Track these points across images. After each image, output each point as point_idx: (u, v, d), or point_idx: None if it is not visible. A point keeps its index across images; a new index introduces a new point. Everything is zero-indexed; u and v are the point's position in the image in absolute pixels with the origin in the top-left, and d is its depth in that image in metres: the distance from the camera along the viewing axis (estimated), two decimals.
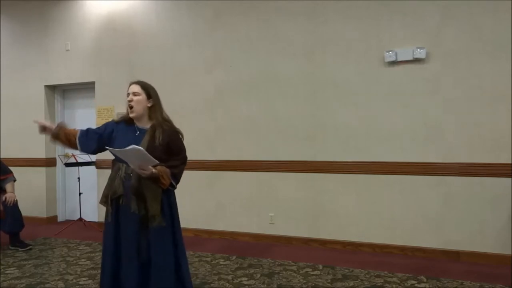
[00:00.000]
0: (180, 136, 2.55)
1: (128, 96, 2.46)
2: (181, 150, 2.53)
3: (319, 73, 4.46)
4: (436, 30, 4.01)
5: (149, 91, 2.48)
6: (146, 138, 2.39)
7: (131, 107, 2.44)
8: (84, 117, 6.00)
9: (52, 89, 6.10)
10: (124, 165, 2.38)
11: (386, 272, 3.58)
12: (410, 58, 4.05)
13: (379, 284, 3.32)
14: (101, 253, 4.24)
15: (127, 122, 2.52)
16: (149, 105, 2.46)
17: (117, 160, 2.45)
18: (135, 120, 2.48)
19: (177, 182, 2.50)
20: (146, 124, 2.47)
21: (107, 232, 2.48)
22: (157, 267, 2.37)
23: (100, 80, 5.59)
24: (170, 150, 2.45)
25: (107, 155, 5.40)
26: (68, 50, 5.78)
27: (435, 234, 4.03)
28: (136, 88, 2.47)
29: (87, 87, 5.80)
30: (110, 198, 2.42)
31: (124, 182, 2.38)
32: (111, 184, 2.43)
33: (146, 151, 2.20)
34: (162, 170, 2.34)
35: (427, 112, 4.05)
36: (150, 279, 2.37)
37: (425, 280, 3.39)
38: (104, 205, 2.47)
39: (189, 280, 2.56)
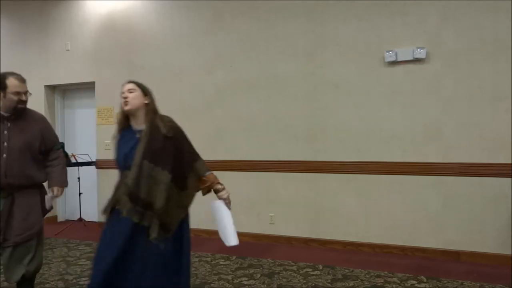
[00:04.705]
0: (184, 134, 2.41)
1: (122, 94, 2.35)
2: (191, 145, 2.42)
3: (319, 73, 4.46)
4: (436, 30, 4.01)
5: (145, 89, 2.39)
6: (143, 135, 2.27)
7: (126, 102, 2.32)
8: (84, 117, 6.01)
9: (52, 89, 6.10)
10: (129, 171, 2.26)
11: (386, 272, 3.58)
12: (410, 58, 4.05)
13: (379, 284, 3.32)
14: None
15: (125, 127, 2.39)
16: (146, 101, 2.35)
17: (123, 168, 2.31)
18: (132, 119, 2.37)
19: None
20: (142, 124, 2.34)
21: (104, 241, 2.29)
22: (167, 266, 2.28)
23: (100, 80, 5.59)
24: (180, 146, 2.33)
25: (106, 156, 5.38)
26: (68, 50, 5.79)
27: (435, 234, 4.03)
28: (130, 86, 2.37)
29: (87, 87, 5.80)
30: (112, 207, 2.29)
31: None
32: (116, 192, 2.31)
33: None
34: (212, 178, 2.40)
35: (427, 112, 4.05)
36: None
37: (425, 280, 3.39)
38: (105, 215, 2.33)
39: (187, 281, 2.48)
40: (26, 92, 2.70)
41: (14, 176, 2.64)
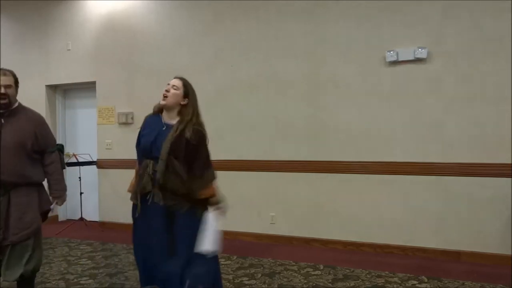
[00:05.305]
0: (207, 141, 2.52)
1: (167, 86, 2.50)
2: (207, 157, 2.54)
3: (319, 73, 4.46)
4: (437, 29, 4.00)
5: (188, 90, 2.51)
6: (171, 133, 2.39)
7: (165, 96, 2.47)
8: (85, 116, 6.01)
9: (53, 89, 6.10)
10: (152, 161, 2.40)
11: (387, 272, 3.59)
12: (411, 58, 4.05)
13: (380, 284, 3.32)
14: (102, 253, 4.27)
15: (156, 113, 2.55)
16: (183, 102, 2.48)
17: (144, 157, 2.46)
18: (165, 111, 2.50)
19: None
20: (173, 121, 2.47)
21: (138, 228, 2.50)
22: (195, 256, 2.40)
23: (101, 80, 5.60)
24: (196, 153, 2.44)
25: (107, 155, 5.38)
26: (69, 50, 5.79)
27: (435, 234, 4.04)
28: (177, 82, 2.51)
29: (88, 87, 5.80)
30: (140, 195, 2.43)
31: (153, 178, 2.39)
32: (139, 181, 2.44)
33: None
34: (214, 201, 2.48)
35: (427, 112, 4.05)
36: (186, 269, 2.37)
37: (426, 280, 3.40)
38: (134, 202, 2.49)
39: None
40: (7, 86, 2.64)
41: (8, 174, 2.61)
